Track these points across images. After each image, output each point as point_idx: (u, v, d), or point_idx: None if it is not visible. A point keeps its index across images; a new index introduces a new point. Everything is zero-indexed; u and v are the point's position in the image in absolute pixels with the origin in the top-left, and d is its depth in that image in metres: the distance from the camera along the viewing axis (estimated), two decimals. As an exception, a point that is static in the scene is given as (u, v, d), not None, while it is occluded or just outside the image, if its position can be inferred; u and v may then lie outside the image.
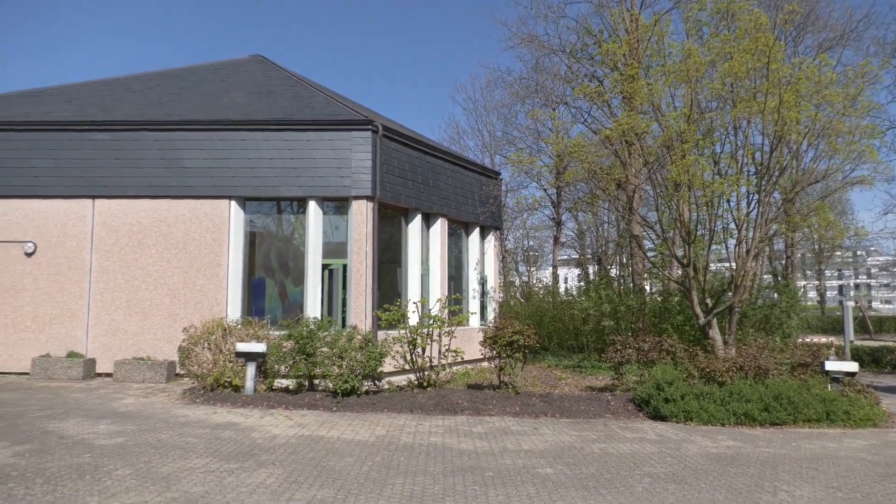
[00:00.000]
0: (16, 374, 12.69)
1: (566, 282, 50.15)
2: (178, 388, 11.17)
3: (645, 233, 17.40)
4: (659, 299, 17.54)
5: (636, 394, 9.84)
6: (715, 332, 12.22)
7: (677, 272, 16.66)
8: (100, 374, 12.64)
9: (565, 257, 37.82)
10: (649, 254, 17.36)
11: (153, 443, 7.05)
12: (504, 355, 11.03)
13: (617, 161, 13.93)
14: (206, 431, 7.69)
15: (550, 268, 32.05)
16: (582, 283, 27.95)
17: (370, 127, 12.81)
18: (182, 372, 11.50)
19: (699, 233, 12.69)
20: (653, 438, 7.85)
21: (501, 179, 18.54)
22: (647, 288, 19.72)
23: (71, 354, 12.54)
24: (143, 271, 12.85)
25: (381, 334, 12.15)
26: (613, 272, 27.50)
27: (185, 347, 10.78)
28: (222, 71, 17.06)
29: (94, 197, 13.03)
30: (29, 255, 12.99)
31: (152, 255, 12.88)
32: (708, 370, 9.82)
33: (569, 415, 9.24)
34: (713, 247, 12.84)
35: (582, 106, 19.11)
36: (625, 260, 27.31)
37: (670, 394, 9.05)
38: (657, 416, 9.04)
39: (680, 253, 13.28)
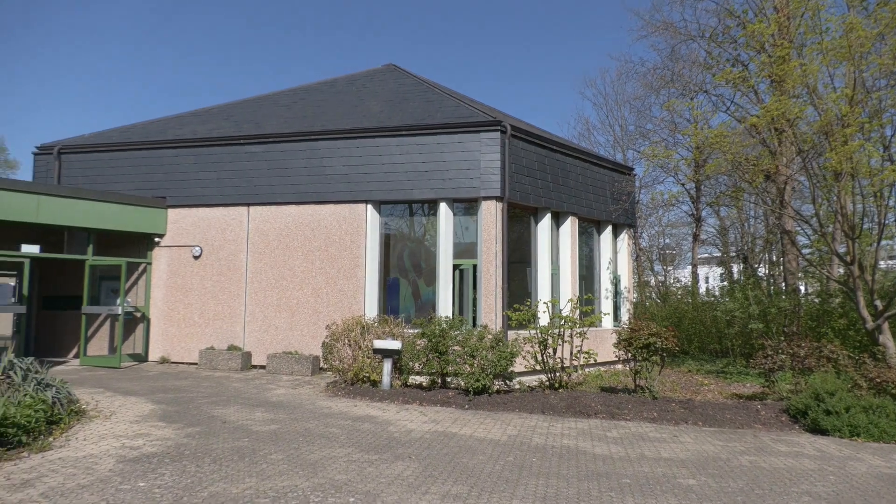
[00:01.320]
0: (186, 363, 14.23)
1: (707, 281, 47.06)
2: (321, 381, 11.90)
3: (799, 228, 15.85)
4: (816, 301, 15.91)
5: (790, 404, 8.98)
6: (886, 338, 10.85)
7: (838, 271, 15.01)
8: (255, 366, 13.81)
9: (706, 255, 35.47)
10: (804, 251, 15.80)
11: (301, 431, 7.56)
12: (640, 358, 10.56)
13: (765, 150, 12.82)
14: (347, 423, 8.12)
15: (689, 267, 30.24)
16: (725, 283, 26.05)
17: (498, 127, 12.84)
18: (325, 366, 12.23)
19: (865, 227, 11.32)
20: (811, 454, 7.12)
21: (635, 175, 17.78)
22: (802, 288, 17.96)
23: (231, 347, 13.82)
24: (290, 272, 13.85)
25: (511, 334, 12.12)
26: (761, 271, 25.37)
27: (327, 343, 11.45)
28: (358, 82, 17.96)
29: (248, 204, 14.26)
30: (196, 258, 14.50)
31: (298, 257, 13.84)
32: (879, 380, 8.74)
33: (712, 423, 8.65)
34: (883, 242, 11.41)
35: (723, 93, 17.82)
36: (775, 258, 25.11)
37: (832, 405, 8.16)
38: (815, 430, 8.20)
39: (842, 249, 11.95)
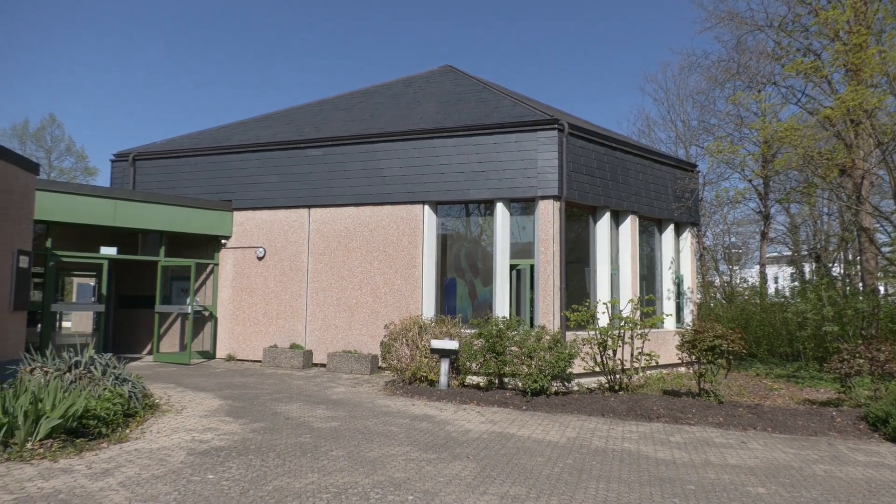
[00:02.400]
0: (251, 361, 14.72)
1: (776, 282, 45.09)
2: (380, 380, 12.08)
3: (878, 225, 14.98)
4: (898, 302, 14.98)
5: (869, 411, 8.49)
6: (978, 343, 10.10)
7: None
8: (315, 364, 14.15)
9: (774, 254, 33.97)
10: (884, 249, 14.90)
11: (361, 429, 7.70)
12: (704, 361, 10.22)
13: (840, 144, 12.17)
14: (405, 422, 8.21)
15: (757, 266, 29.04)
16: (796, 284, 24.89)
17: (555, 126, 12.70)
18: (383, 365, 12.41)
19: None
20: (893, 464, 6.71)
21: (698, 172, 17.23)
22: (881, 289, 16.95)
23: (293, 346, 14.21)
24: (349, 272, 14.12)
25: (569, 335, 11.97)
26: (836, 271, 24.09)
27: (385, 343, 11.60)
28: (415, 84, 18.13)
29: (309, 206, 14.63)
30: (260, 258, 14.98)
31: (357, 258, 14.09)
32: (969, 388, 8.15)
33: (783, 430, 8.28)
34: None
35: (794, 85, 17.02)
36: (851, 257, 23.78)
37: (916, 413, 7.66)
38: (898, 439, 7.72)
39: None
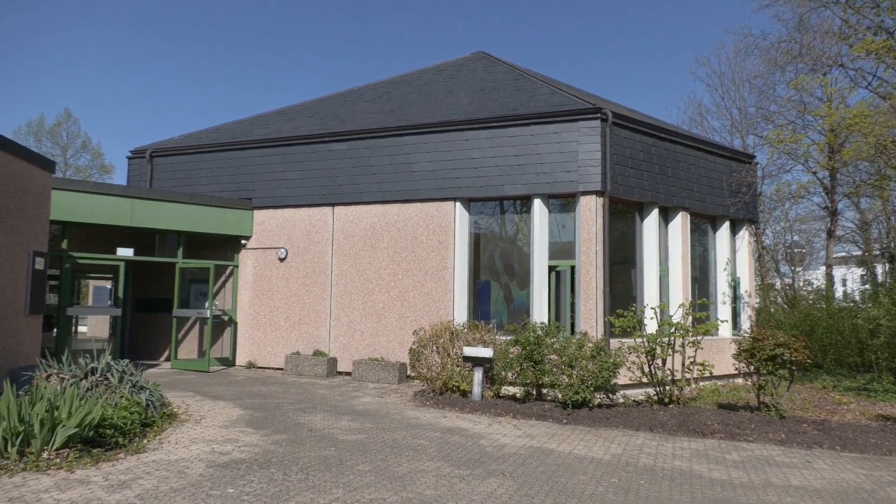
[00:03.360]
0: (272, 369, 14.94)
1: (844, 284, 43.85)
2: (408, 390, 12.13)
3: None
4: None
5: (952, 429, 8.19)
6: None
7: None
8: (340, 373, 14.28)
9: (842, 254, 33.03)
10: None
11: (388, 442, 7.74)
12: (764, 371, 10.01)
13: (917, 131, 11.77)
14: (436, 435, 8.23)
15: (822, 267, 28.28)
16: (867, 286, 24.17)
17: (598, 115, 12.59)
18: (412, 374, 12.46)
19: None
20: (980, 489, 6.46)
21: (756, 164, 16.89)
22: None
23: (316, 353, 14.37)
24: (376, 274, 14.22)
25: (613, 342, 11.86)
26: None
27: (414, 350, 11.65)
28: (445, 72, 18.17)
29: (333, 204, 14.78)
30: (282, 259, 15.19)
31: (384, 259, 14.18)
32: None
33: (853, 448, 8.04)
34: None
35: (863, 66, 16.53)
36: (930, 257, 22.98)
37: None
38: None
39: None
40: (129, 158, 17.19)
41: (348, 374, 14.10)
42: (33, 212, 10.55)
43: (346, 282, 14.51)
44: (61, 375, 8.24)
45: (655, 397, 10.72)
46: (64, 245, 13.12)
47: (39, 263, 10.65)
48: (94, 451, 6.56)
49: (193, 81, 76.78)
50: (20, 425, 6.35)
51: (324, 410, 9.82)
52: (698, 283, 15.11)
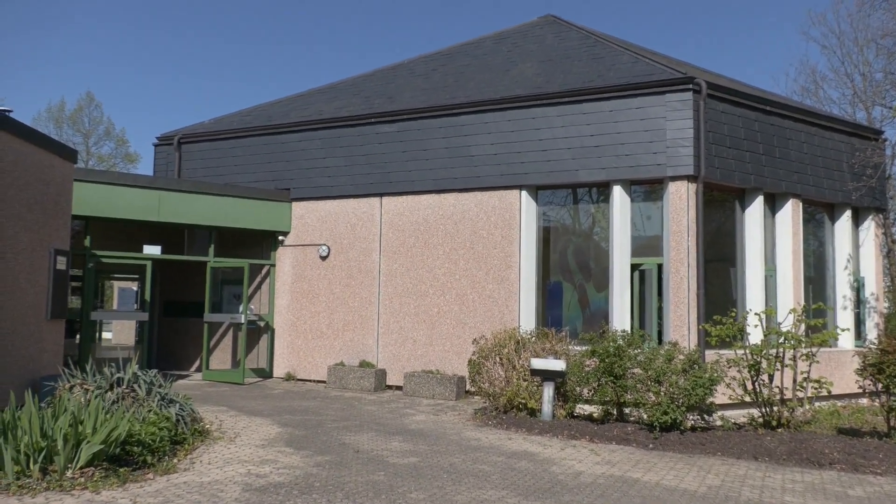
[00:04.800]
0: (314, 381, 15.25)
1: None
2: (468, 407, 12.17)
3: None
4: None
5: None
6: None
7: None
8: (389, 387, 14.46)
9: None
10: None
11: (445, 467, 7.79)
12: (895, 390, 9.64)
13: None
14: (500, 459, 8.23)
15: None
16: None
17: (690, 86, 12.34)
18: (472, 389, 12.50)
19: None
20: None
21: (885, 140, 16.23)
22: None
23: (363, 364, 14.59)
24: (429, 274, 14.33)
25: (709, 354, 11.63)
26: None
27: (475, 361, 11.68)
28: (509, 40, 18.13)
29: (381, 195, 14.97)
30: (323, 258, 15.48)
31: (439, 257, 14.27)
32: None
33: None
34: None
35: None
36: None
37: None
38: None
39: None
40: (156, 145, 17.84)
41: (399, 388, 14.26)
42: (54, 206, 11.09)
43: (395, 283, 14.68)
44: (85, 386, 8.63)
45: (760, 419, 10.46)
46: (87, 242, 13.72)
47: (61, 263, 11.18)
48: (120, 470, 6.84)
49: (226, 61, 78.78)
50: (43, 440, 6.68)
51: (371, 429, 9.96)
52: (813, 285, 14.69)
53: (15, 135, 10.04)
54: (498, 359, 11.43)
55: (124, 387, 8.73)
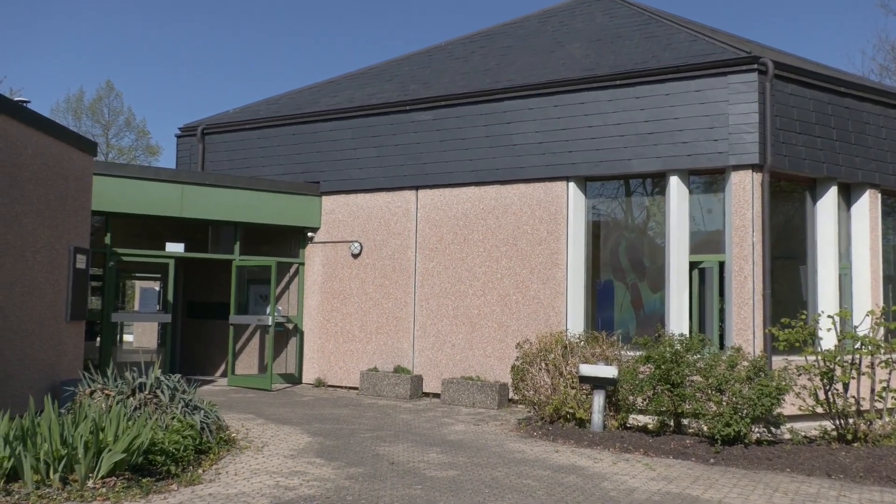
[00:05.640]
0: (345, 388, 15.39)
1: None
2: (511, 417, 12.17)
3: None
4: None
5: None
6: None
7: None
8: (426, 394, 14.52)
9: None
10: None
11: (487, 481, 7.81)
12: None
13: None
14: (545, 474, 8.22)
15: None
16: None
17: (755, 65, 12.15)
18: (515, 397, 12.50)
19: None
20: None
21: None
22: None
23: (398, 369, 14.68)
24: (469, 273, 14.35)
25: (776, 360, 11.46)
26: None
27: (518, 367, 11.68)
28: (555, 19, 18.06)
29: (416, 188, 15.03)
30: (355, 256, 15.61)
31: (479, 254, 14.28)
32: None
33: None
34: None
35: None
36: None
37: None
38: None
39: None
40: (178, 137, 18.17)
41: (436, 395, 14.32)
42: (73, 201, 11.37)
43: (432, 282, 14.73)
44: (106, 391, 8.84)
45: (834, 433, 10.29)
46: (107, 240, 14.04)
47: (81, 261, 11.47)
48: (143, 480, 6.99)
49: (252, 48, 79.72)
50: (63, 448, 6.86)
51: (407, 439, 10.03)
52: (893, 284, 14.39)
53: (33, 126, 10.29)
54: (543, 364, 11.42)
55: (147, 392, 8.92)
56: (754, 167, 12.16)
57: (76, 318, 11.39)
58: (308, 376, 15.97)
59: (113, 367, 9.85)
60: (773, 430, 10.12)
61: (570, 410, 10.90)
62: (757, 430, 10.08)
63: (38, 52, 59.23)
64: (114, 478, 6.91)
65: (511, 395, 13.09)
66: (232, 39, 75.51)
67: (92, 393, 8.89)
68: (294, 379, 16.06)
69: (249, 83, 72.77)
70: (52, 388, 10.41)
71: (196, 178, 15.27)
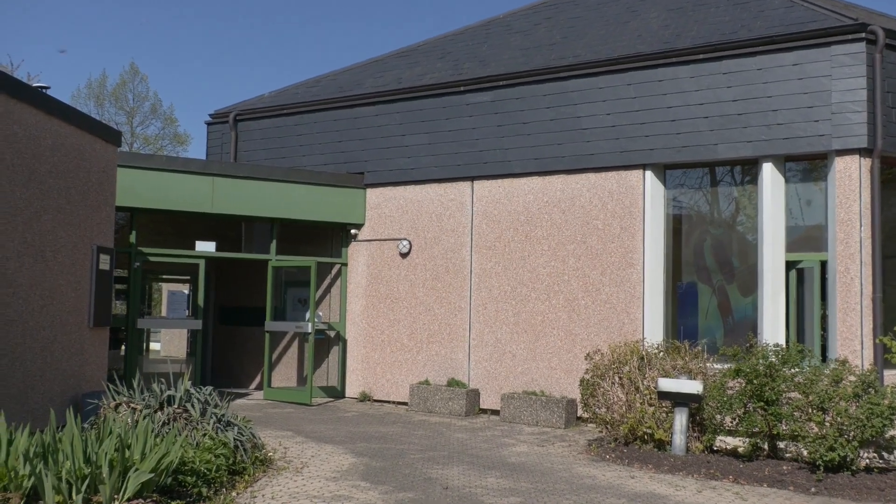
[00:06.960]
0: (393, 402, 15.48)
1: None
2: (580, 437, 12.10)
3: None
4: None
5: None
6: None
7: None
8: (484, 410, 14.52)
9: None
10: None
11: (553, 509, 7.78)
12: None
13: None
14: (620, 502, 8.15)
15: None
16: None
17: (863, 34, 11.89)
18: (585, 414, 12.42)
19: None
20: None
21: None
22: None
23: (451, 382, 14.71)
24: (531, 275, 14.30)
25: (888, 375, 11.23)
26: None
27: (588, 381, 11.60)
28: (628, -15, 17.88)
29: (472, 178, 15.04)
30: (404, 255, 15.69)
31: (543, 253, 14.22)
32: None
33: None
34: None
35: None
36: None
37: None
38: None
39: None
40: (209, 124, 18.48)
41: (495, 412, 14.31)
42: (96, 196, 11.65)
43: (490, 285, 14.72)
44: (132, 405, 9.04)
45: (958, 460, 9.98)
46: (132, 238, 14.33)
47: (104, 262, 11.75)
48: (172, 503, 7.13)
49: (290, 28, 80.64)
50: (86, 467, 7.03)
51: (463, 462, 10.03)
52: None
53: (52, 115, 10.56)
54: (617, 378, 11.33)
55: (176, 406, 9.09)
56: (862, 152, 11.89)
57: (100, 324, 11.67)
58: (351, 390, 16.11)
59: (139, 378, 10.06)
60: (884, 455, 9.89)
61: (648, 430, 10.79)
62: (866, 455, 9.87)
63: (56, 34, 61.01)
64: (140, 499, 7.04)
65: (580, 412, 13.01)
66: (268, 18, 76.45)
67: (117, 406, 9.10)
68: (336, 392, 16.21)
69: (286, 65, 73.44)
70: (75, 400, 10.68)
71: (228, 169, 15.51)
